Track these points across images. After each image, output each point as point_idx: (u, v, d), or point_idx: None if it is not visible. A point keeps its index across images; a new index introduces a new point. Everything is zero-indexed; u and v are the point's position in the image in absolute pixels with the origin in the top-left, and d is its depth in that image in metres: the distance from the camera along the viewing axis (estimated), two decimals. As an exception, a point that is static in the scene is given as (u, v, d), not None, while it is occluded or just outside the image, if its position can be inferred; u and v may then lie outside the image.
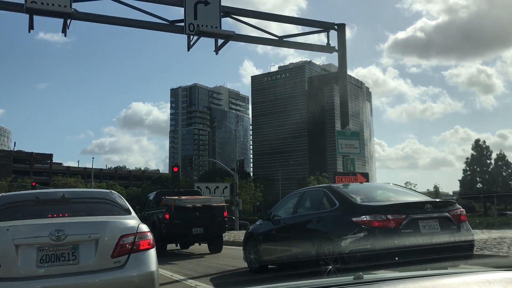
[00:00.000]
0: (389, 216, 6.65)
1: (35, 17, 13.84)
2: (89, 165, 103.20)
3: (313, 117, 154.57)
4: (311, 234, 7.75)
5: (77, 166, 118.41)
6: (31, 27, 13.91)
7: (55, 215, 5.03)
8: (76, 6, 14.10)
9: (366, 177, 17.39)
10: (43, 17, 14.22)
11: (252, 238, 9.85)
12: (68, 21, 13.98)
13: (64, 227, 4.59)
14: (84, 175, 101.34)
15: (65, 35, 14.65)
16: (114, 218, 5.15)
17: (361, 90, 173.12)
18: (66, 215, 5.07)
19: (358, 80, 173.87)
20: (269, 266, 9.48)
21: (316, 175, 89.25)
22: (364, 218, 6.69)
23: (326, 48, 17.69)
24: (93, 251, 4.63)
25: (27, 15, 13.66)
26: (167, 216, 14.16)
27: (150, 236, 5.01)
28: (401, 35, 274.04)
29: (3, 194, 6.10)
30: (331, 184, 9.05)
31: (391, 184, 9.05)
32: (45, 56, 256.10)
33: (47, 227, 4.58)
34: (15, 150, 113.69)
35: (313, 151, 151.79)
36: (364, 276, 1.65)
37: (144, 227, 5.04)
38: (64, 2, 13.62)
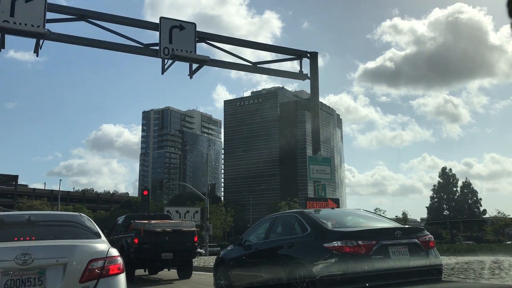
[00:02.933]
0: (360, 242, 6.71)
1: (7, 36, 13.61)
2: (56, 188, 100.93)
3: (285, 142, 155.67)
4: (282, 259, 7.73)
5: (43, 188, 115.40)
6: (2, 46, 13.67)
7: (21, 238, 4.89)
8: (50, 26, 13.96)
9: (337, 202, 17.53)
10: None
11: (223, 263, 9.75)
12: (41, 41, 13.81)
13: (30, 250, 4.47)
14: (50, 197, 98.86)
15: (37, 55, 14.44)
16: (83, 242, 5.04)
17: (332, 117, 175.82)
18: (34, 238, 4.94)
19: (329, 107, 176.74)
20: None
21: (287, 200, 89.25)
22: (336, 244, 6.74)
23: (299, 75, 18.00)
24: (60, 275, 4.50)
25: (-1, 34, 13.42)
26: (136, 240, 13.90)
27: (120, 260, 4.92)
28: (371, 64, 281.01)
29: None
30: (303, 210, 9.06)
31: (362, 210, 9.14)
32: (14, 75, 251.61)
33: (13, 250, 4.44)
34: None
35: (284, 176, 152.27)
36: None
37: (114, 252, 4.95)
38: (37, 22, 13.45)
